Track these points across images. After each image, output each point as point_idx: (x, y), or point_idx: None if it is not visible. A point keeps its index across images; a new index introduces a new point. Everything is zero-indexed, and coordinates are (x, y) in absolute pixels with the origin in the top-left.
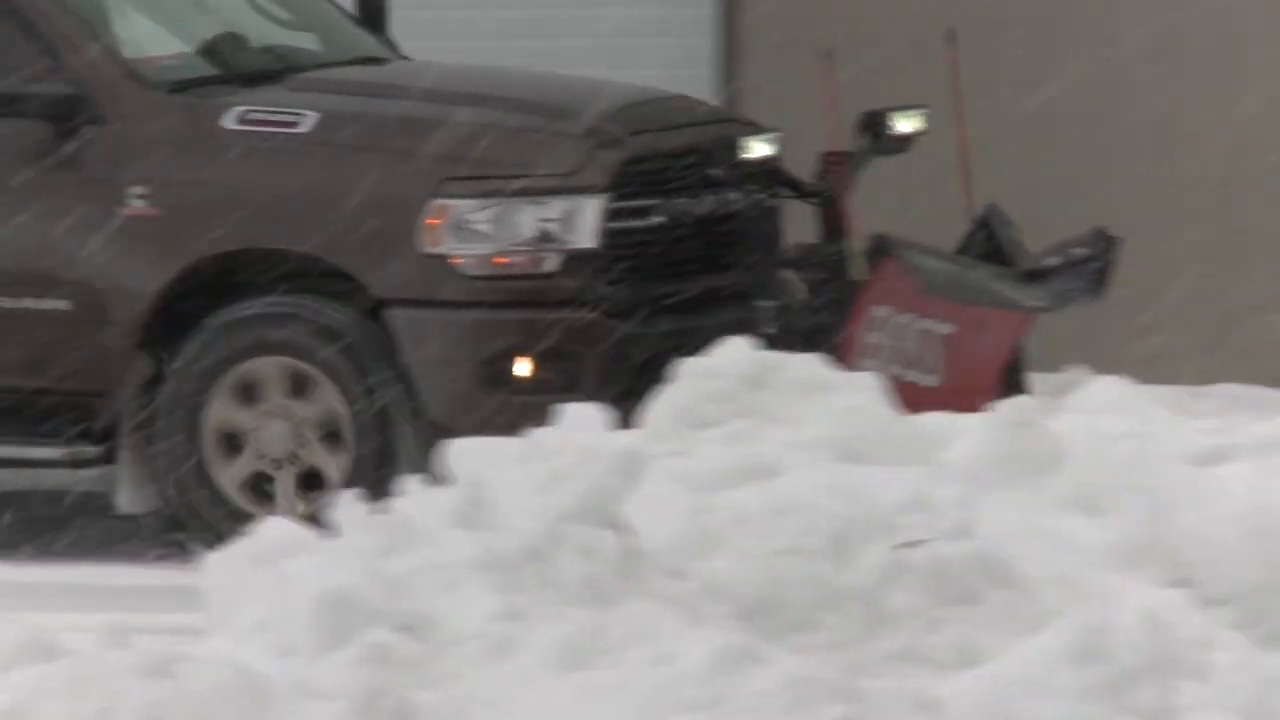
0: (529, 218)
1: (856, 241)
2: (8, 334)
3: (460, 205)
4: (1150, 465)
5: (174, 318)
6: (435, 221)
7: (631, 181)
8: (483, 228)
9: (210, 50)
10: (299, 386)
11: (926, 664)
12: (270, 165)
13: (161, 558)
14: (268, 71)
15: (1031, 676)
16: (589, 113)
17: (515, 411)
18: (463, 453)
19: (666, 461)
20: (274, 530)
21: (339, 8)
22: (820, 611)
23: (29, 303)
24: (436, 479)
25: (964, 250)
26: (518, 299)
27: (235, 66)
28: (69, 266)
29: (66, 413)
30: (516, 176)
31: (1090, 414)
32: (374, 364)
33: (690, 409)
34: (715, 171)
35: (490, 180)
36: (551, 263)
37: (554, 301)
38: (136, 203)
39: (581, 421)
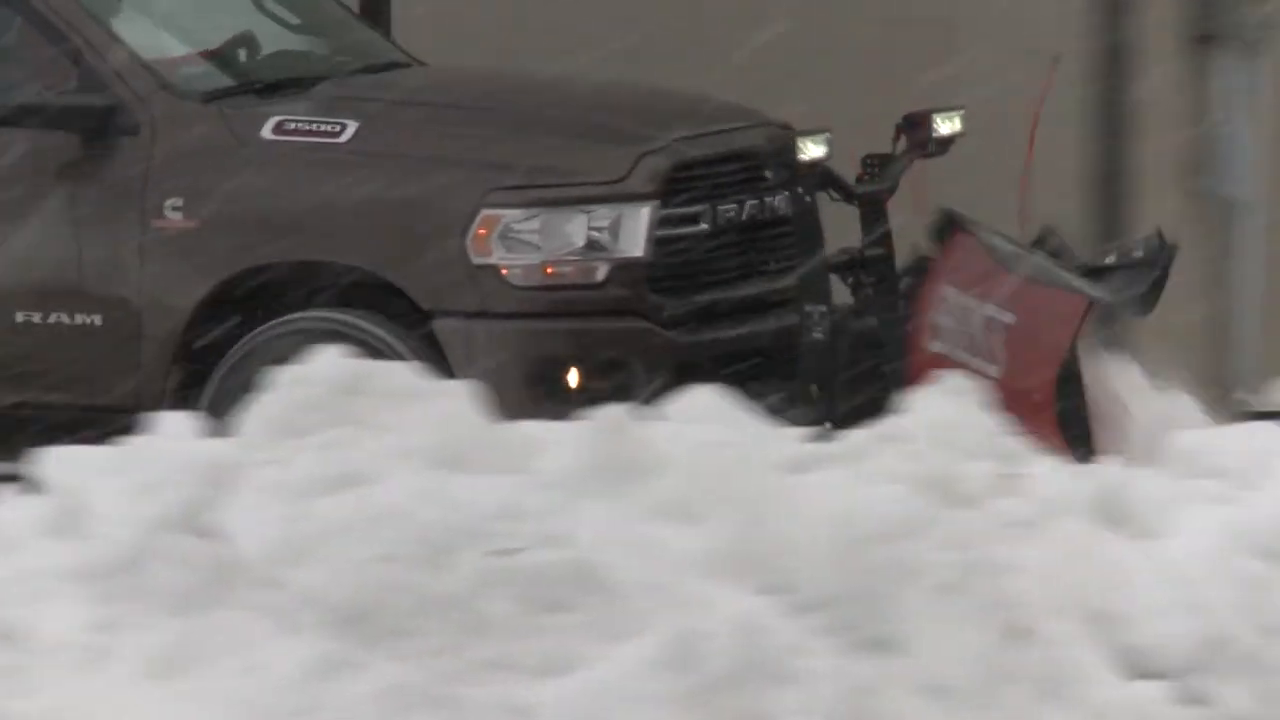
0: (578, 227)
1: (921, 217)
2: (40, 349)
3: (509, 215)
4: (743, 473)
5: (212, 332)
6: (484, 232)
7: (680, 188)
8: (532, 237)
9: (238, 58)
10: None
11: (520, 671)
12: (311, 176)
13: None
14: (298, 79)
15: (623, 683)
16: (635, 118)
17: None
18: (55, 461)
19: (260, 470)
20: None
21: (349, 10)
22: (416, 619)
23: (61, 317)
24: (29, 487)
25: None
26: (568, 309)
27: (265, 75)
28: (102, 280)
29: (99, 429)
30: (565, 185)
31: (685, 422)
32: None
33: (284, 417)
34: (764, 175)
35: (538, 189)
36: (601, 272)
37: (604, 311)
38: (173, 214)
39: (175, 430)
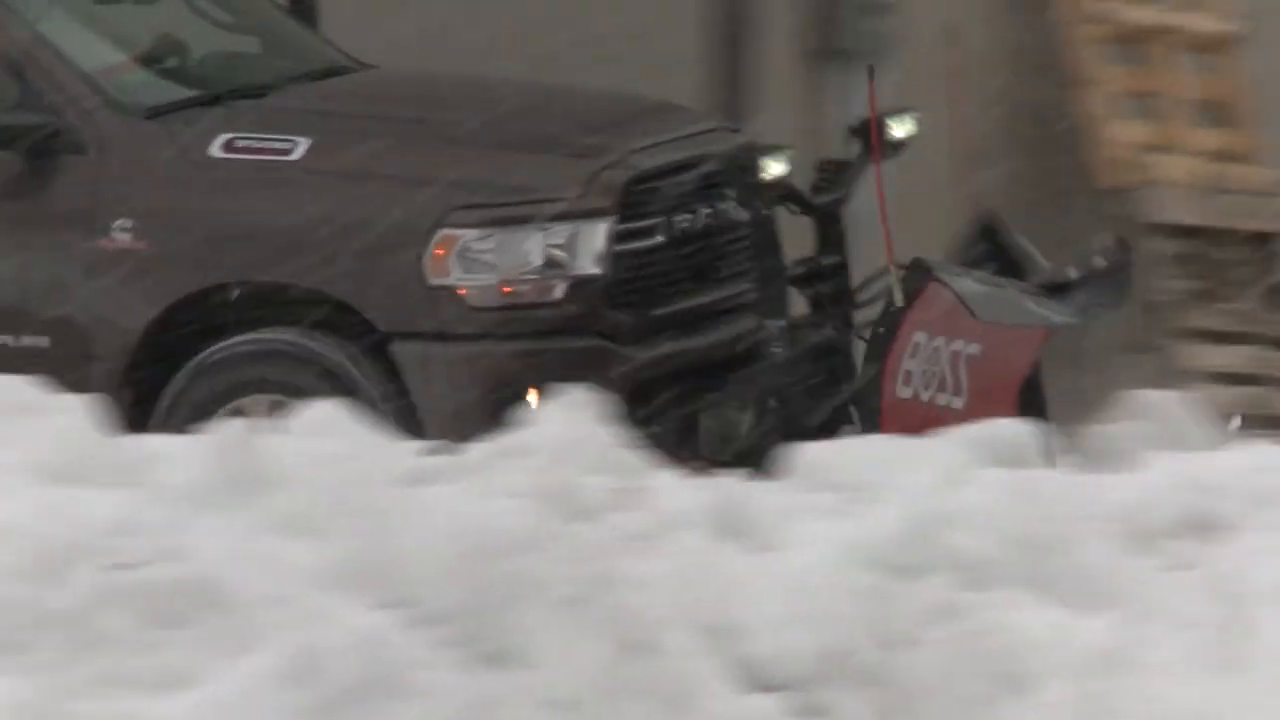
0: (535, 245)
1: (888, 266)
2: None
3: (466, 234)
4: (364, 487)
5: (160, 355)
6: (442, 252)
7: (637, 200)
8: (489, 257)
9: (179, 68)
10: None
11: (137, 686)
12: (263, 195)
13: None
14: (243, 89)
15: (243, 699)
16: (591, 129)
17: None
18: None
19: None
20: None
21: (282, 10)
22: (30, 634)
23: (5, 339)
24: None
25: (966, 260)
26: (526, 329)
27: (208, 85)
28: (49, 302)
29: None
30: (521, 203)
31: (305, 436)
32: (373, 400)
33: None
34: (720, 183)
35: (495, 208)
36: (559, 290)
37: (562, 330)
38: (121, 235)
39: None
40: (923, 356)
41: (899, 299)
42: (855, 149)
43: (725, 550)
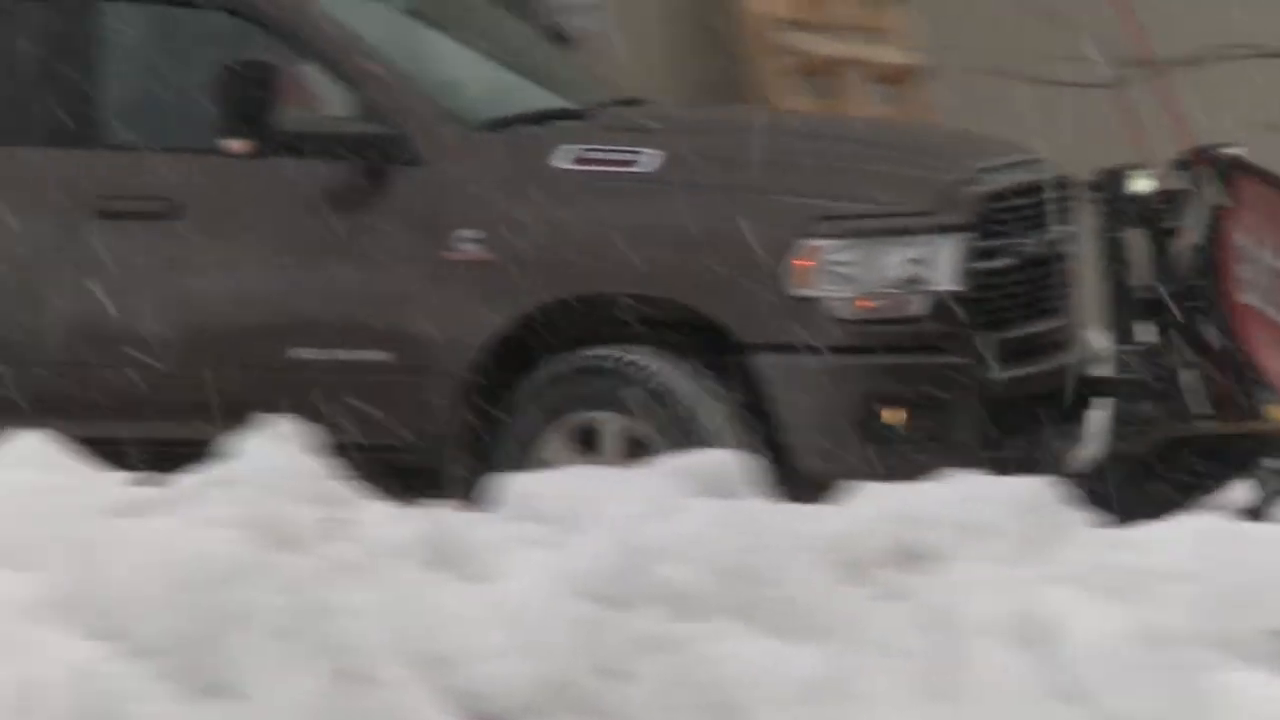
0: (895, 258)
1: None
2: (320, 386)
3: (828, 245)
4: (73, 518)
5: (505, 367)
6: (803, 263)
7: (991, 218)
8: (848, 269)
9: (504, 88)
10: (637, 442)
11: None
12: (615, 206)
13: None
14: (570, 110)
15: None
16: (937, 151)
17: (885, 459)
18: None
19: None
20: None
21: (557, 47)
22: None
23: (343, 354)
24: None
25: None
26: (885, 343)
27: (533, 104)
28: (388, 315)
29: (380, 468)
30: (883, 215)
31: (9, 467)
32: (705, 412)
33: None
34: (1062, 207)
35: (858, 219)
36: (917, 305)
37: (921, 346)
38: (466, 246)
39: None
40: (1251, 265)
41: (1221, 199)
42: (1200, 179)
43: (438, 580)
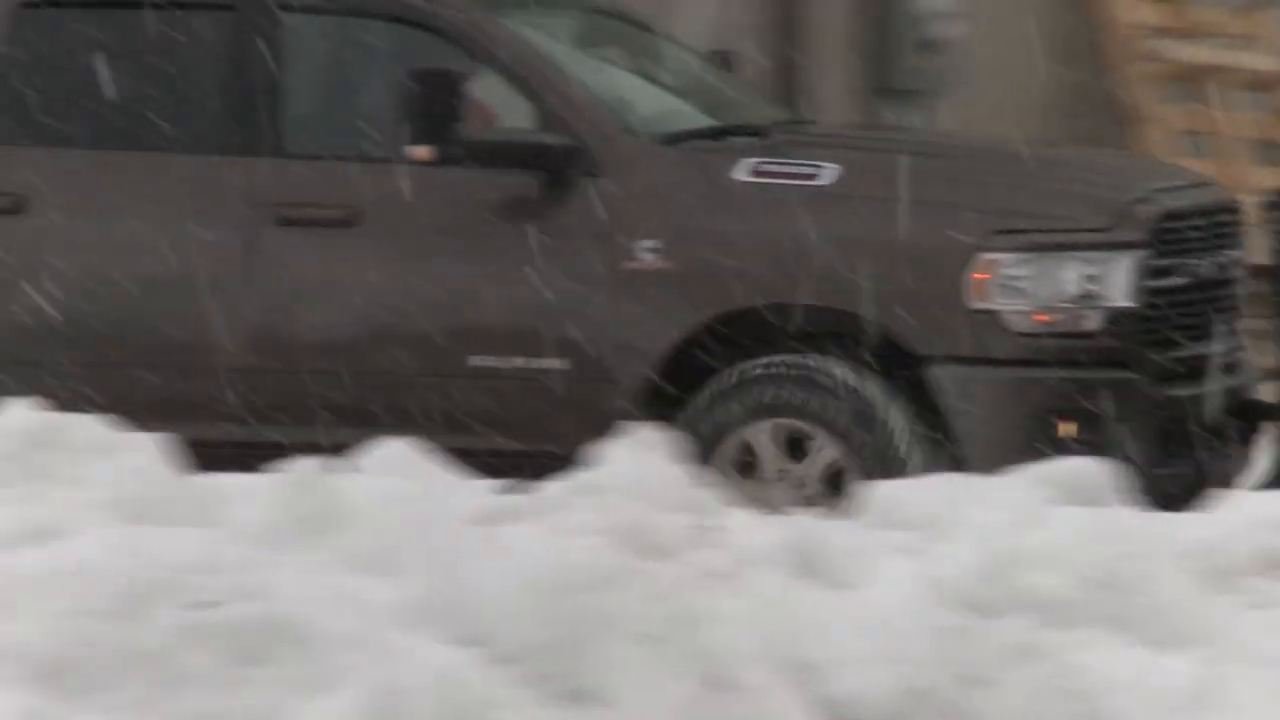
0: (1072, 273)
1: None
2: (499, 394)
3: (1007, 259)
4: (439, 525)
5: (682, 376)
6: (982, 276)
7: (1165, 238)
8: (1025, 283)
9: (679, 103)
10: (809, 450)
11: None
12: (793, 218)
13: None
14: (744, 127)
15: None
16: (1112, 170)
17: None
18: None
19: None
20: None
21: (724, 69)
22: (114, 673)
23: (522, 362)
24: None
25: None
26: (1060, 357)
27: (709, 119)
28: (567, 323)
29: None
30: (1061, 230)
31: (377, 474)
32: (891, 422)
33: None
34: (1231, 230)
35: (1036, 234)
36: (1092, 320)
37: (1095, 361)
38: (647, 256)
39: None
40: None
41: None
42: None
43: (803, 588)
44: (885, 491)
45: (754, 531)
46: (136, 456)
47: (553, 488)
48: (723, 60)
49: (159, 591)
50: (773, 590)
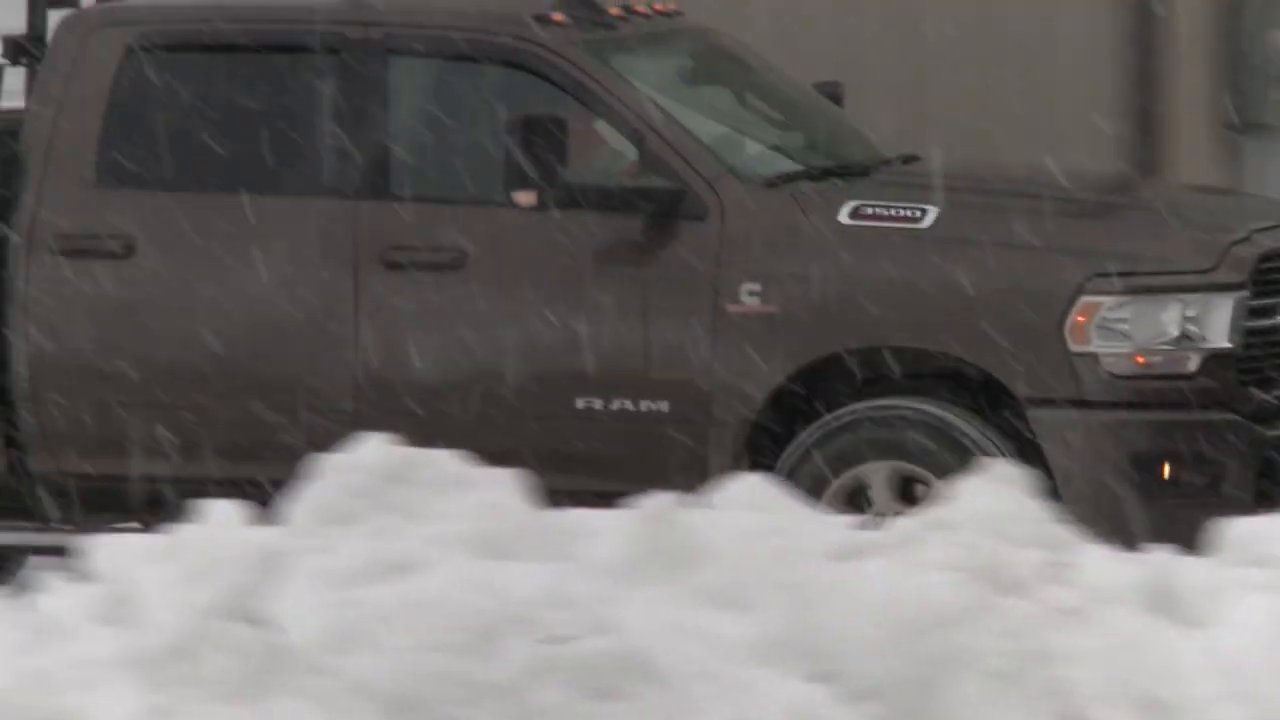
0: (1172, 316)
1: None
2: (603, 436)
3: (1107, 302)
4: (792, 560)
5: (783, 420)
6: (1083, 319)
7: (1265, 278)
8: (1125, 326)
9: (780, 145)
10: (919, 494)
11: None
12: (894, 261)
13: None
14: (847, 167)
15: None
16: (1211, 209)
17: (1159, 515)
18: (104, 549)
19: (308, 558)
20: None
21: (832, 106)
22: (466, 708)
23: (629, 404)
24: (78, 575)
25: None
26: (1160, 400)
27: (811, 161)
28: (671, 366)
29: None
30: (1160, 273)
31: (729, 509)
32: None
33: (331, 505)
34: None
35: (1136, 276)
36: (1192, 363)
37: (1195, 403)
38: (750, 300)
39: (223, 517)
40: None
41: None
42: None
43: (1156, 625)
44: (1243, 528)
45: (1107, 568)
46: (490, 491)
47: (907, 523)
48: (831, 93)
49: (511, 626)
50: (1126, 628)
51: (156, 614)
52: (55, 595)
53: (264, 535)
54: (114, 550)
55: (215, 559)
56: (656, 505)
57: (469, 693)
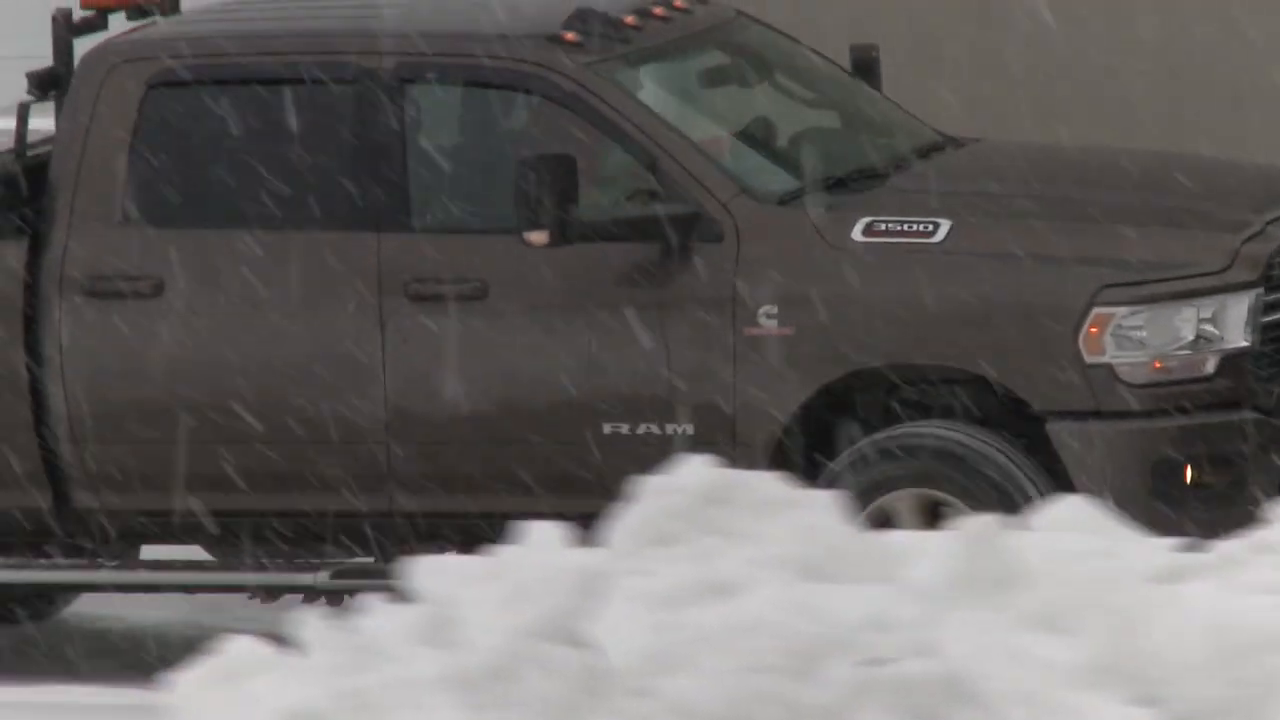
0: (1187, 320)
1: None
2: (626, 460)
3: (1120, 312)
4: (1114, 583)
5: (806, 440)
6: (1097, 330)
7: (1277, 272)
8: (1140, 333)
9: (792, 154)
10: (946, 518)
11: None
12: (909, 278)
13: (127, 676)
14: (864, 172)
15: None
16: (1230, 201)
17: (1183, 519)
18: (425, 570)
19: (629, 579)
20: (240, 648)
21: (861, 89)
22: None
23: (651, 427)
24: (399, 597)
25: None
26: (1179, 404)
27: (826, 170)
28: (693, 389)
29: None
30: (1172, 278)
31: (1053, 531)
32: (1022, 483)
33: (651, 526)
34: None
35: (1148, 284)
36: (1210, 364)
37: (1214, 404)
38: (767, 322)
39: (543, 539)
40: None
41: None
42: None
43: None
44: None
45: None
46: (811, 513)
47: (1230, 545)
48: (865, 59)
49: (831, 648)
50: None
51: (477, 635)
52: (376, 616)
53: (584, 557)
54: (435, 572)
55: (536, 580)
56: (978, 527)
57: (789, 715)
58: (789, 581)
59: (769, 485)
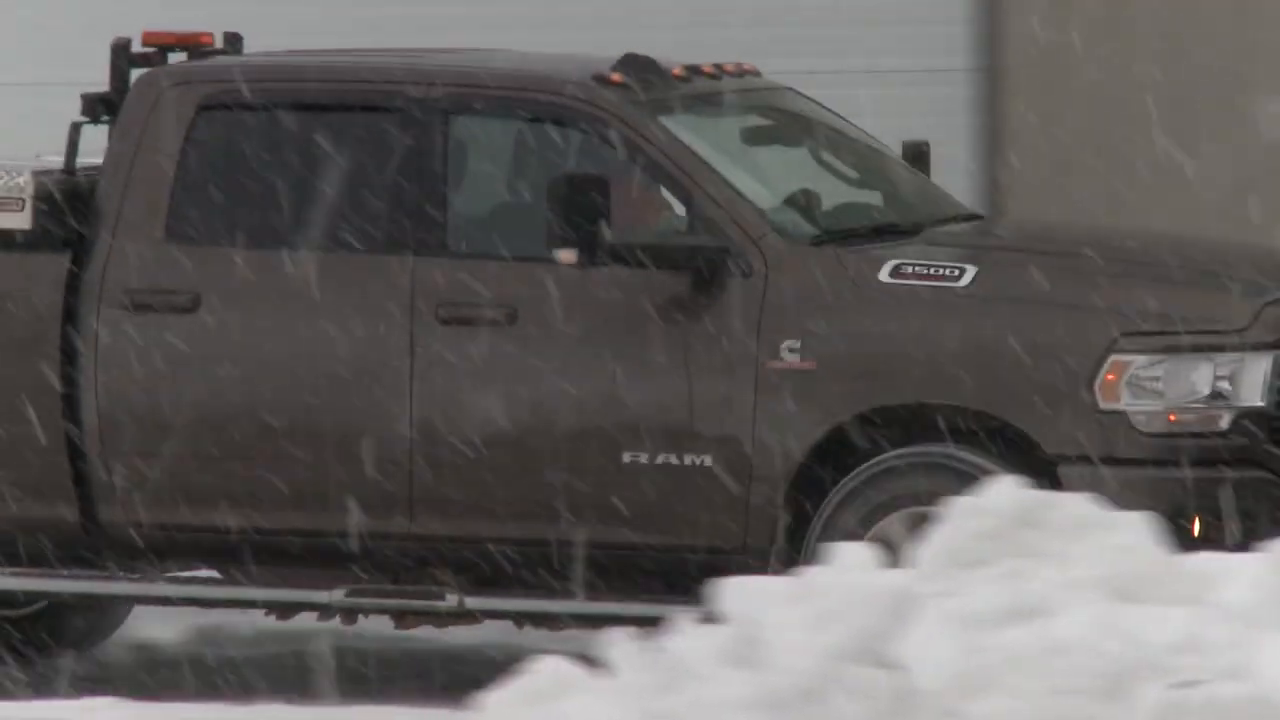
0: (1204, 375)
1: None
2: (647, 490)
3: (1137, 361)
4: None
5: (818, 476)
6: (1113, 377)
7: None
8: (1157, 384)
9: (827, 206)
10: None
11: None
12: (931, 319)
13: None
14: (894, 227)
15: None
16: (1249, 266)
17: None
18: (734, 592)
19: (938, 601)
20: (549, 669)
21: (902, 164)
22: None
23: (674, 459)
24: (707, 618)
25: None
26: (1191, 458)
27: (858, 221)
28: (713, 421)
29: (696, 569)
30: (1192, 332)
31: None
32: None
33: (961, 548)
34: None
35: (1167, 336)
36: (1224, 421)
37: (1227, 461)
38: (789, 356)
39: (852, 561)
40: None
41: None
42: None
43: None
44: None
45: None
46: (1122, 534)
47: None
48: (916, 153)
49: (1142, 670)
50: None
51: (785, 656)
52: (685, 638)
53: (894, 578)
54: (743, 593)
55: (845, 602)
56: None
57: None
58: (1099, 603)
59: (1080, 506)
